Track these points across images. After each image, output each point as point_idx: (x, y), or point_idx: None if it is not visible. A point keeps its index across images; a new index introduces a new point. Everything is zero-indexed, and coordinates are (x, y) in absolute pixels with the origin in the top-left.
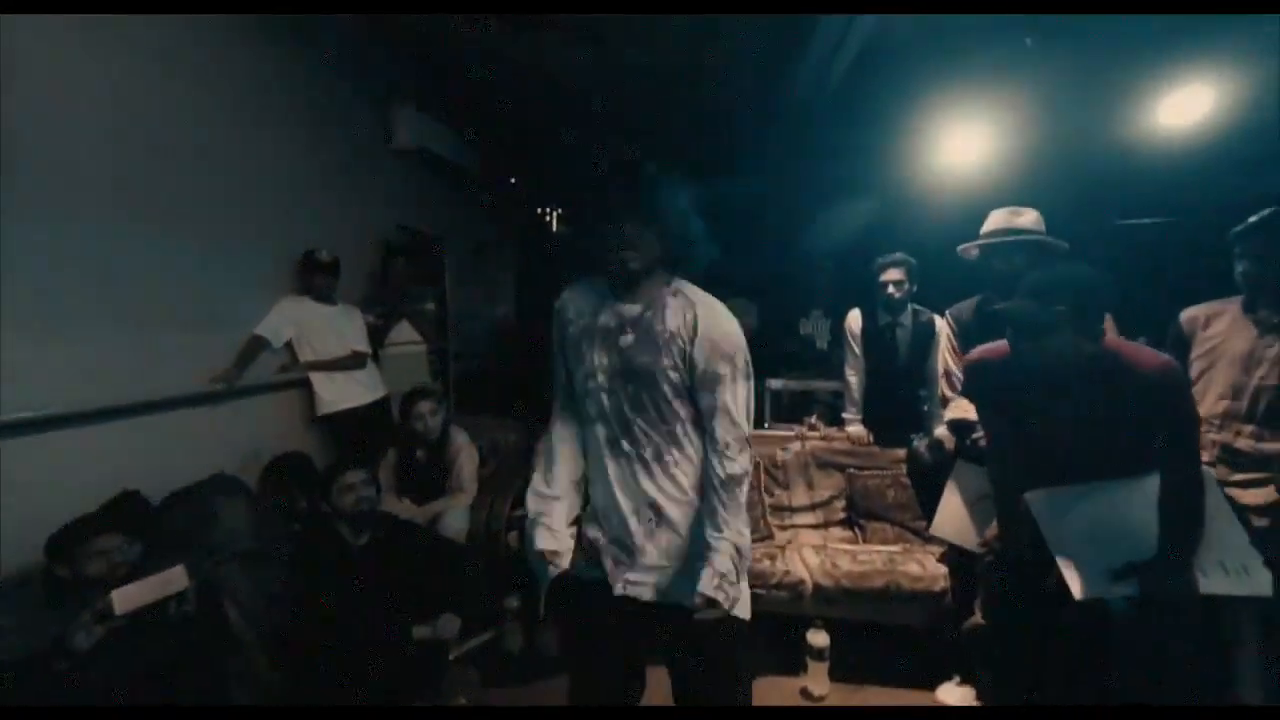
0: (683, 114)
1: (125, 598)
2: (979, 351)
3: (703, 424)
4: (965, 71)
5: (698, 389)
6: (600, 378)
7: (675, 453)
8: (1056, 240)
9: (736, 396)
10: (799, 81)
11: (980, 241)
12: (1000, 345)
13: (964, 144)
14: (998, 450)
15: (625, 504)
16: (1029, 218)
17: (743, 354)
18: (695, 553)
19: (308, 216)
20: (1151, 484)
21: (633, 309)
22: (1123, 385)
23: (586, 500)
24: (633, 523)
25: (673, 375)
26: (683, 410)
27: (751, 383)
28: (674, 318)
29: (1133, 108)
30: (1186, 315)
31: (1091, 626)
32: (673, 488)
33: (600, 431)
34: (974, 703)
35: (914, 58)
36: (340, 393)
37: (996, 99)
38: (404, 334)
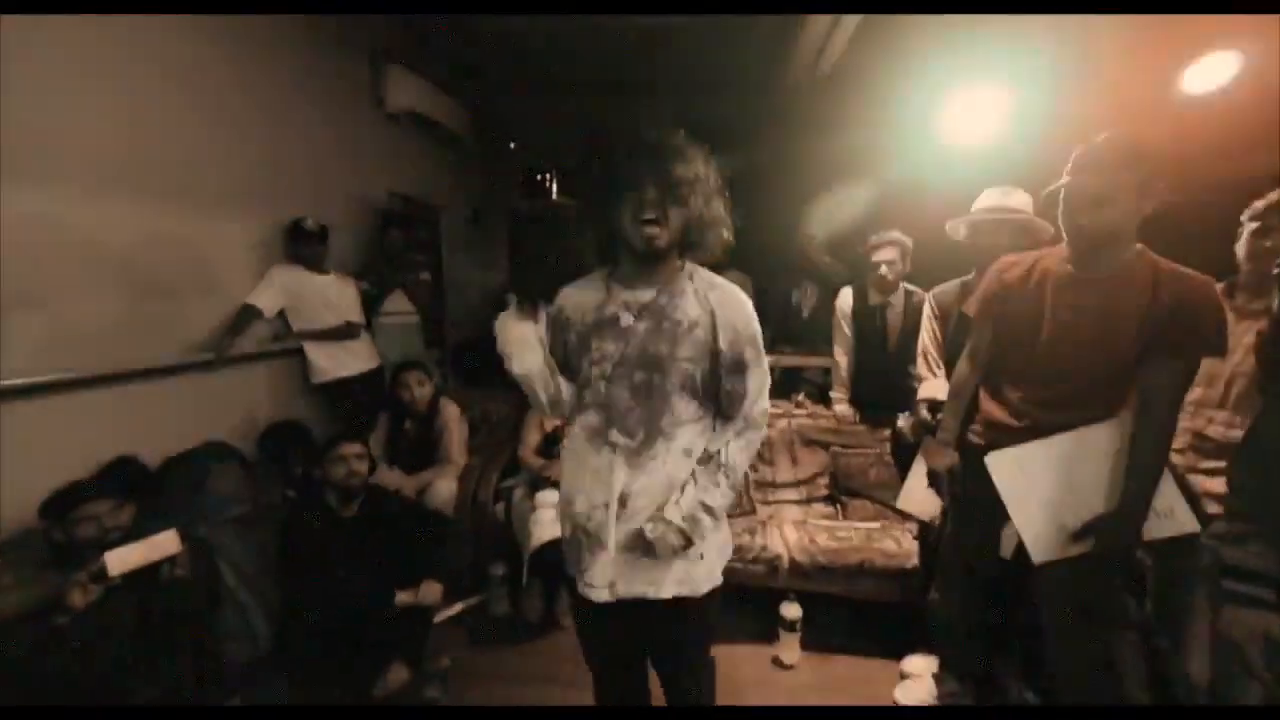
0: (679, 81)
1: (118, 559)
2: (1005, 260)
3: (696, 414)
4: (969, 42)
5: (725, 375)
6: (605, 365)
7: (660, 446)
8: (1044, 222)
9: (763, 380)
10: (798, 52)
11: (969, 218)
12: (1026, 254)
13: (966, 118)
14: (975, 360)
15: (596, 497)
16: (1019, 198)
17: (759, 336)
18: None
19: (298, 183)
20: (1101, 435)
21: (644, 294)
22: (1158, 292)
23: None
24: (598, 515)
25: (687, 367)
26: (682, 403)
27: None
28: (693, 305)
29: (1150, 77)
30: None
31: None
32: (645, 480)
33: (591, 420)
34: (936, 671)
35: (916, 27)
36: (334, 362)
37: (1001, 71)
38: (397, 304)
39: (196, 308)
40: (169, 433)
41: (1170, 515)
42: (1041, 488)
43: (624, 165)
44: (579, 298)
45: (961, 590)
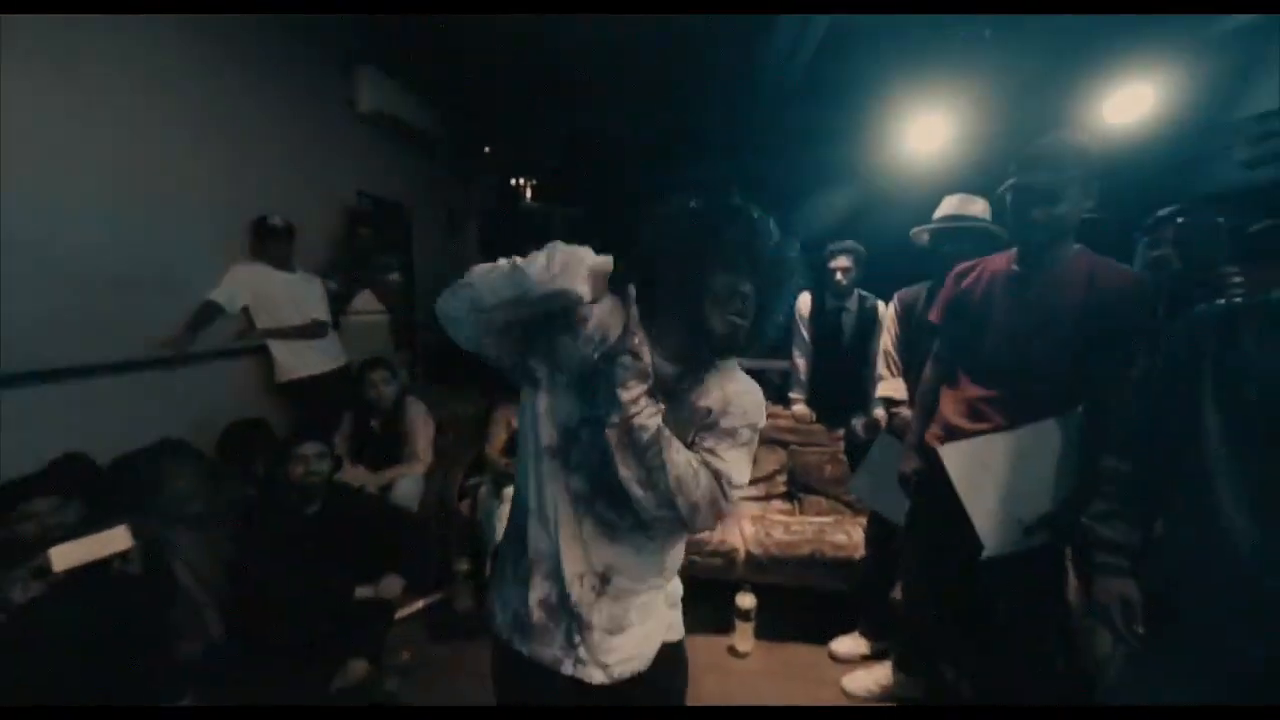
0: (651, 91)
1: (63, 555)
2: (961, 266)
3: None
4: (924, 61)
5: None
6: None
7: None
8: (1000, 229)
9: (743, 470)
10: (766, 63)
11: (931, 226)
12: (981, 259)
13: (918, 133)
14: (939, 362)
15: (571, 569)
16: (979, 206)
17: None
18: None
19: (267, 181)
20: (1056, 431)
21: (669, 368)
22: (1093, 285)
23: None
24: (575, 589)
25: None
26: None
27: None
28: (712, 393)
29: (1078, 104)
30: None
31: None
32: (633, 559)
33: (576, 483)
34: (864, 652)
35: (875, 46)
36: (300, 360)
37: (953, 90)
38: (366, 303)
39: (157, 304)
40: (124, 431)
41: None
42: (996, 480)
43: (727, 237)
44: (606, 314)
45: (921, 589)
